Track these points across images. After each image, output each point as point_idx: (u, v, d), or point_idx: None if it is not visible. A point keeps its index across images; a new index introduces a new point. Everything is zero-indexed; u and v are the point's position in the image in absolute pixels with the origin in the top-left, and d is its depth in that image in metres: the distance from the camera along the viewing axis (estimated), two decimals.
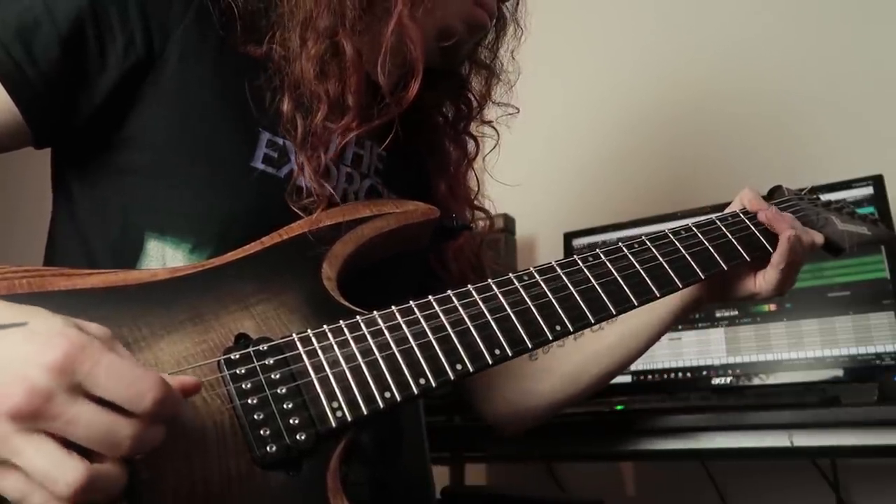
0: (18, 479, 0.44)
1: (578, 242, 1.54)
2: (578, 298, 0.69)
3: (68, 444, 0.44)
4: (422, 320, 0.63)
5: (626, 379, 1.41)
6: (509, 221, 1.64)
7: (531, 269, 0.70)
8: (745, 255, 0.80)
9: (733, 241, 0.81)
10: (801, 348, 1.27)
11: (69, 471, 0.43)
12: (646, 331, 0.90)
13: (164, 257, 0.70)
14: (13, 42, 0.67)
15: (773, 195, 0.93)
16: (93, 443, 0.44)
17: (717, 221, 0.82)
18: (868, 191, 1.28)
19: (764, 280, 0.83)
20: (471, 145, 0.95)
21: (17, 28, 0.67)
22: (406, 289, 0.66)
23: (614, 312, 0.70)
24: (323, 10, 0.73)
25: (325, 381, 0.58)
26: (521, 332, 0.65)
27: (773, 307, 1.32)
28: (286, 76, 0.74)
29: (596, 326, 0.88)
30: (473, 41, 0.88)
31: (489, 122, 0.95)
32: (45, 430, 0.44)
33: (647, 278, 0.73)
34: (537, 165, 1.76)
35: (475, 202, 0.96)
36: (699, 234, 0.79)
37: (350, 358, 0.60)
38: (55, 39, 0.68)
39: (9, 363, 0.44)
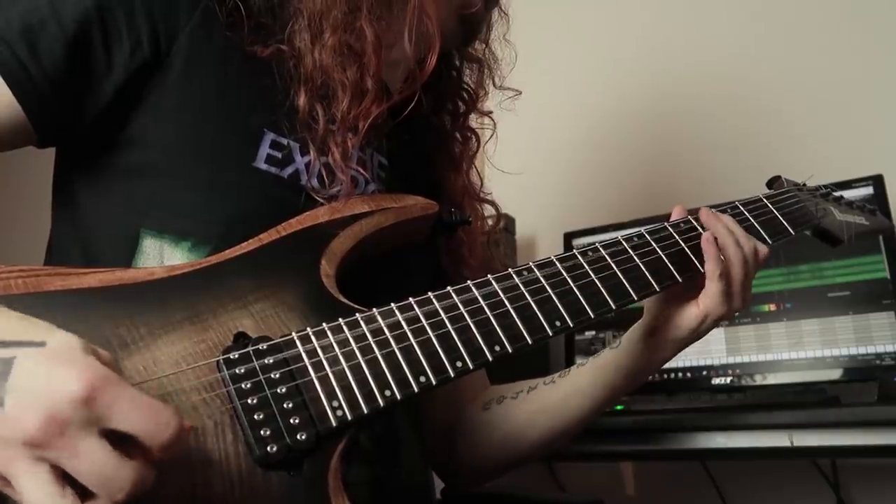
0: None
1: (578, 242, 1.54)
2: (578, 293, 0.69)
3: (70, 477, 0.43)
4: (421, 317, 0.63)
5: None
6: (509, 221, 1.64)
7: (531, 264, 0.70)
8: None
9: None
10: (801, 348, 1.27)
11: None
12: (589, 390, 0.84)
13: (161, 255, 0.70)
14: (18, 42, 0.67)
15: (773, 185, 0.93)
16: (92, 482, 0.43)
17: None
18: (868, 191, 1.28)
19: (707, 297, 0.76)
20: (472, 140, 0.96)
21: (22, 28, 0.67)
22: (417, 287, 0.66)
23: (613, 307, 0.70)
24: (341, 1, 0.75)
25: (324, 380, 0.58)
26: (521, 328, 0.65)
27: (773, 307, 1.32)
28: (299, 71, 0.74)
29: (549, 380, 0.87)
30: (488, 15, 0.90)
31: (488, 113, 0.96)
32: (49, 460, 0.43)
33: (646, 272, 0.73)
34: (538, 165, 1.76)
35: (482, 195, 0.96)
36: (698, 226, 0.80)
37: (350, 356, 0.59)
38: (60, 40, 0.68)
39: (27, 388, 0.43)
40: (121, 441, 0.44)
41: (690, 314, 0.77)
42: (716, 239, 0.77)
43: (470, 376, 0.66)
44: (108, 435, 0.44)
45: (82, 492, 0.43)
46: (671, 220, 0.81)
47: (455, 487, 0.96)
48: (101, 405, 0.43)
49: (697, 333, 0.78)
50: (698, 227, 0.80)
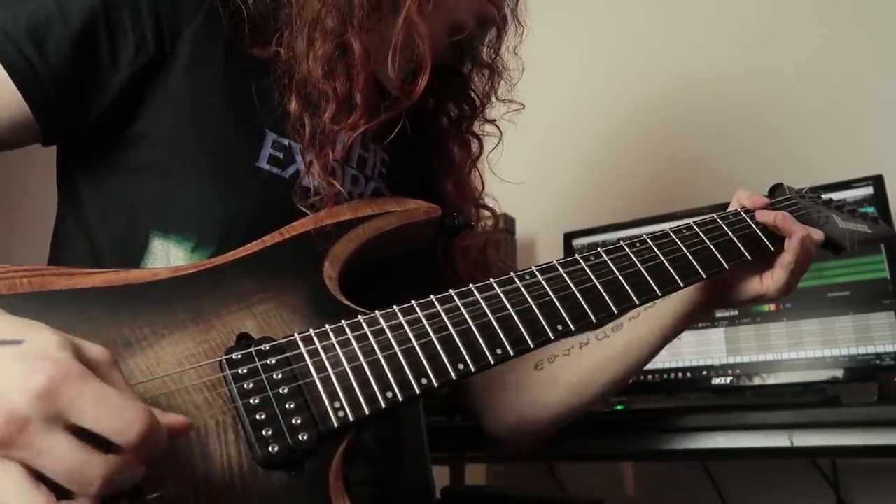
0: None
1: (578, 242, 1.54)
2: (580, 297, 0.69)
3: (42, 475, 0.42)
4: (423, 320, 0.63)
5: None
6: (509, 221, 1.64)
7: (533, 268, 0.70)
8: (746, 253, 0.80)
9: (735, 239, 0.80)
10: (801, 348, 1.27)
11: None
12: (650, 339, 0.88)
13: (168, 256, 0.70)
14: (25, 40, 0.67)
15: (775, 193, 0.93)
16: (61, 478, 0.42)
17: (719, 220, 0.82)
18: (868, 191, 1.28)
19: (772, 280, 0.81)
20: (474, 144, 0.95)
21: (28, 26, 0.68)
22: (415, 289, 0.66)
23: (616, 312, 0.70)
24: (331, 10, 0.74)
25: (326, 381, 0.58)
26: (523, 331, 0.65)
27: (773, 307, 1.32)
28: (293, 76, 0.74)
29: (601, 334, 0.89)
30: (483, 35, 0.89)
31: (492, 121, 0.96)
32: (16, 458, 0.41)
33: (648, 277, 0.73)
34: (538, 165, 1.76)
35: (480, 201, 0.96)
36: (700, 233, 0.79)
37: (352, 357, 0.60)
38: (67, 38, 0.68)
39: None
40: (94, 437, 0.43)
41: (753, 287, 0.83)
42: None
43: None
44: (78, 431, 0.43)
45: (59, 488, 0.42)
46: (672, 226, 0.81)
47: (507, 446, 0.99)
48: (61, 401, 0.42)
49: (747, 304, 0.86)
50: (700, 234, 0.79)
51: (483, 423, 0.97)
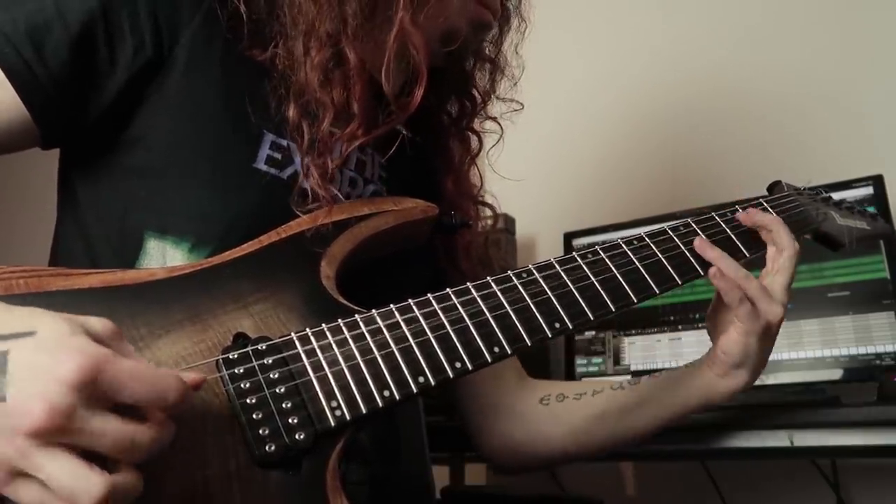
0: (37, 491, 0.44)
1: (578, 242, 1.54)
2: (578, 295, 0.69)
3: (87, 454, 0.45)
4: (420, 318, 0.63)
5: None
6: (509, 221, 1.64)
7: (530, 266, 0.70)
8: (745, 251, 0.80)
9: (732, 237, 0.80)
10: (801, 348, 1.26)
11: (92, 485, 0.43)
12: (664, 403, 0.86)
13: (164, 256, 0.70)
14: (24, 43, 0.67)
15: (773, 190, 0.93)
16: (113, 452, 0.45)
17: (717, 217, 0.82)
18: (868, 191, 1.28)
19: (741, 321, 0.77)
20: (474, 141, 0.95)
21: (27, 29, 0.68)
22: (412, 288, 0.66)
23: (613, 309, 0.70)
24: (325, 19, 0.73)
25: (323, 381, 0.58)
26: (520, 329, 0.65)
27: None
28: (291, 83, 0.74)
29: (616, 384, 0.88)
30: (478, 40, 0.88)
31: (493, 118, 0.95)
32: (67, 443, 0.44)
33: (646, 275, 0.73)
34: (538, 165, 1.76)
35: (479, 197, 0.96)
36: (699, 231, 0.79)
37: (349, 357, 0.60)
38: (65, 41, 0.68)
39: (25, 378, 0.44)
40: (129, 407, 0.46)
41: (733, 341, 0.79)
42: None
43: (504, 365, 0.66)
44: (116, 406, 0.46)
45: (105, 462, 0.45)
46: (670, 224, 0.81)
47: (500, 469, 0.98)
48: (101, 385, 0.45)
49: (749, 353, 0.79)
50: (698, 231, 0.79)
51: (478, 443, 0.96)
